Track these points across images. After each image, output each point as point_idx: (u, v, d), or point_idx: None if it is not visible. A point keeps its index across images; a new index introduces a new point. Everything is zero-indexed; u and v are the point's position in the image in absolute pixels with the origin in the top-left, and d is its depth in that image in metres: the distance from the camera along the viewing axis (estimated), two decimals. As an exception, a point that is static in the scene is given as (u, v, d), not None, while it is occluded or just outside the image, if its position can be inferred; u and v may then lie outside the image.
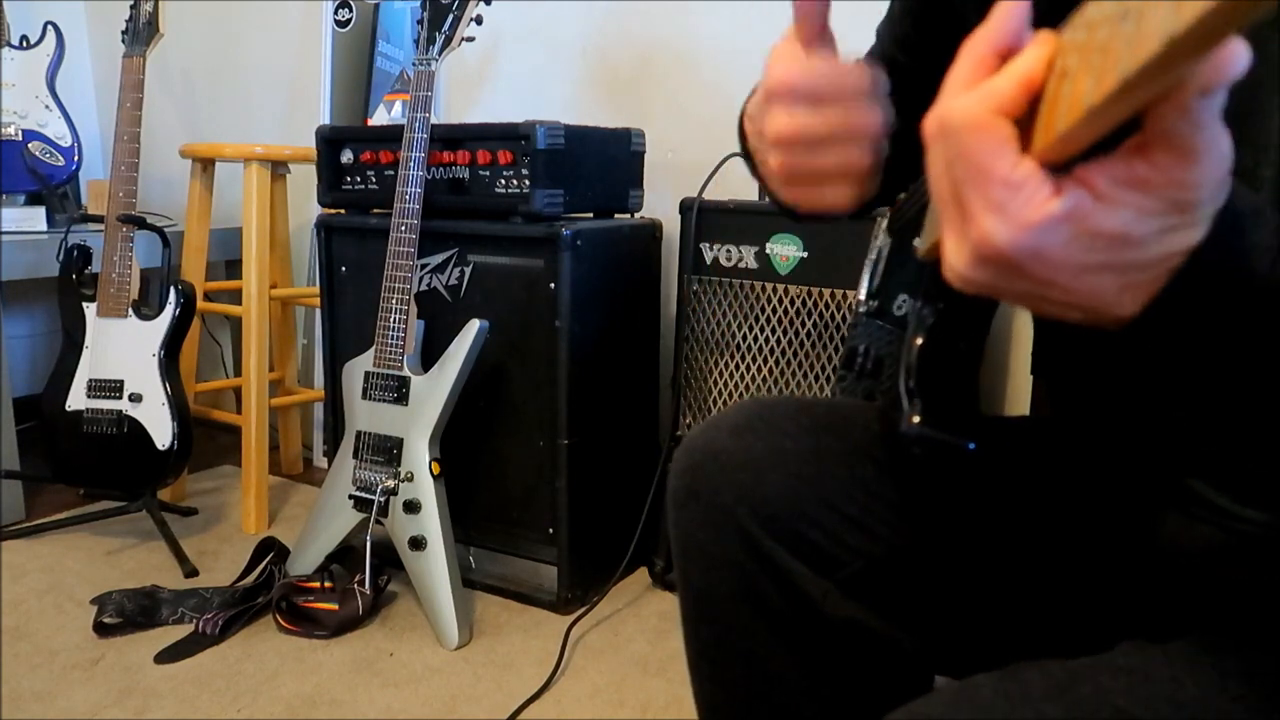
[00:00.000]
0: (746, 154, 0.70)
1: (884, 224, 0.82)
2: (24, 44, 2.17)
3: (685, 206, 1.67)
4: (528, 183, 1.59)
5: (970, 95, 0.38)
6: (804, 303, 1.58)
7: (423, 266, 1.71)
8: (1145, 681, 0.48)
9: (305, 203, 2.31)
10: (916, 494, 0.67)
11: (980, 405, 0.55)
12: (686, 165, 1.90)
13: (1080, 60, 0.34)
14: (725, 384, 1.68)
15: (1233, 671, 0.47)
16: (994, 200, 0.37)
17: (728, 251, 1.64)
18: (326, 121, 2.27)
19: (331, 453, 1.76)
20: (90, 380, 1.84)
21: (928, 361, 0.53)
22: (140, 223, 1.85)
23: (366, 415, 1.64)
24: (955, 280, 0.41)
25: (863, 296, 0.82)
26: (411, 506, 1.57)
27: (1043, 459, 0.68)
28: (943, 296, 0.52)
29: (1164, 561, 0.59)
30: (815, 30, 0.54)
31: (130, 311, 1.85)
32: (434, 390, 1.58)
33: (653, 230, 1.81)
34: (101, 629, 1.57)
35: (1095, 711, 0.47)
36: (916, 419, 0.50)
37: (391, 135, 1.70)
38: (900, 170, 0.60)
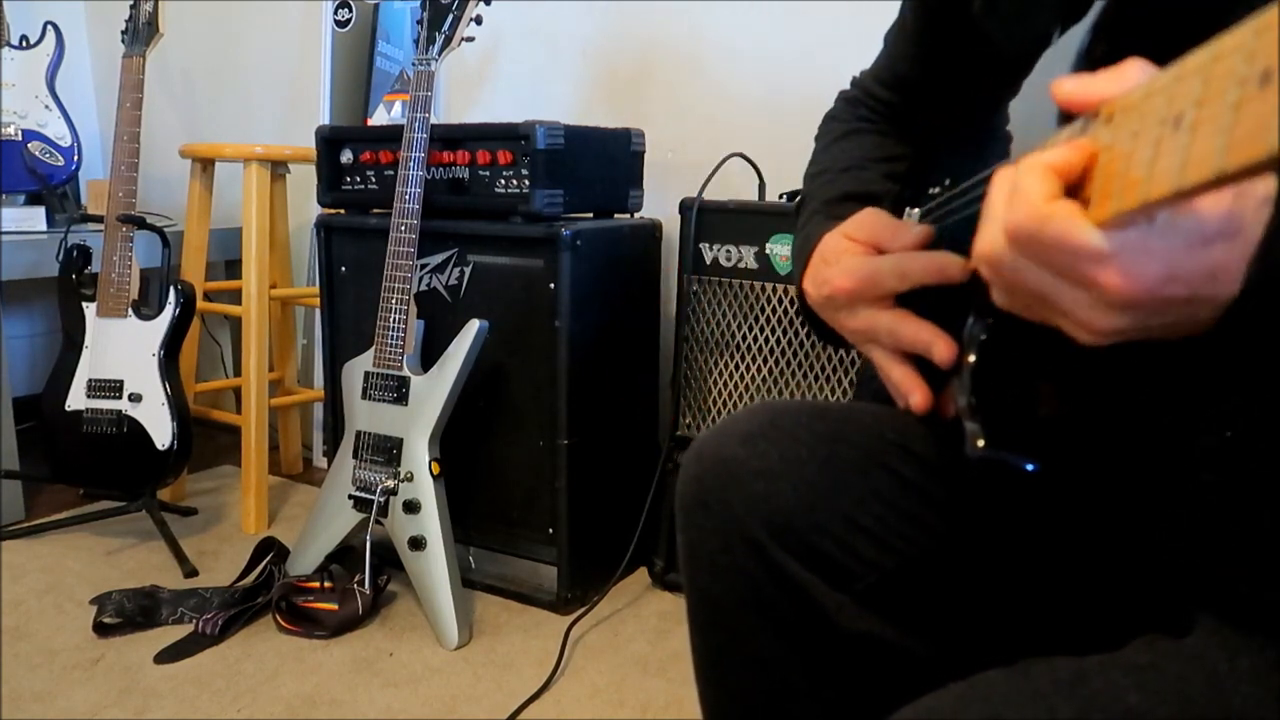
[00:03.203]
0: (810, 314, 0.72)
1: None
2: (24, 44, 2.17)
3: (685, 206, 1.67)
4: (527, 183, 1.59)
5: (1013, 207, 0.39)
6: (804, 303, 1.57)
7: (423, 266, 1.71)
8: (1156, 678, 0.48)
9: (305, 203, 2.31)
10: (957, 504, 0.66)
11: (1039, 413, 0.55)
12: (686, 165, 1.90)
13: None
14: (725, 384, 1.68)
15: (1244, 668, 0.47)
16: (1110, 264, 0.38)
17: (727, 251, 1.64)
18: (326, 121, 2.27)
19: (331, 453, 1.76)
20: (90, 380, 1.84)
21: (982, 379, 0.53)
22: (140, 223, 1.85)
23: (366, 415, 1.64)
24: (1094, 341, 0.42)
25: None
26: (411, 506, 1.57)
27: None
28: (991, 312, 0.51)
29: (1173, 559, 0.59)
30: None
31: (130, 311, 1.84)
32: (434, 390, 1.58)
33: (652, 230, 1.81)
34: (101, 629, 1.57)
35: (1106, 707, 0.47)
36: (981, 442, 0.50)
37: (391, 135, 1.70)
38: (922, 176, 0.59)
